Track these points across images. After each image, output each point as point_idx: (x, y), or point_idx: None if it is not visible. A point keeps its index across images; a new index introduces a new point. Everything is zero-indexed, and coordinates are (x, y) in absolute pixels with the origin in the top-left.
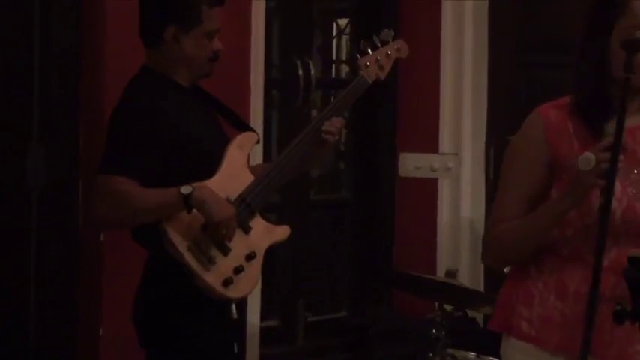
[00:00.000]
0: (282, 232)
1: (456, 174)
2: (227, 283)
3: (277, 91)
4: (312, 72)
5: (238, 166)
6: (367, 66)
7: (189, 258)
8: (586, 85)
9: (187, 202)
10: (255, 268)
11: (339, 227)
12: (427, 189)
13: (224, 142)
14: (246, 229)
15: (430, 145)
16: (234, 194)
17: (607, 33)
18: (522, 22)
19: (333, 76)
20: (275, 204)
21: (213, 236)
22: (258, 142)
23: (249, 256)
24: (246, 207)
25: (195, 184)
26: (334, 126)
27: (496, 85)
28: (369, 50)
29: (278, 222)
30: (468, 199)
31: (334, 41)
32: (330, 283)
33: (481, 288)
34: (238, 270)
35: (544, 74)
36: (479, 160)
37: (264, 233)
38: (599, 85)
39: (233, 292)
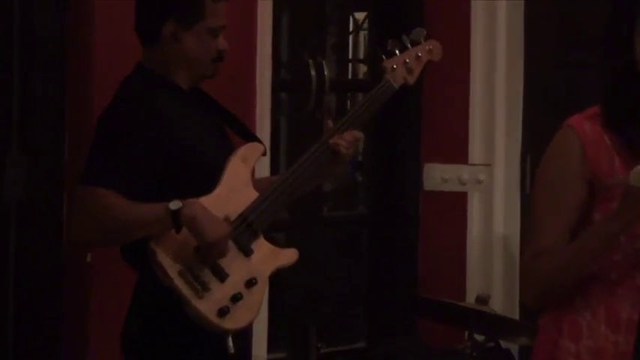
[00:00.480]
0: (290, 255)
1: (487, 187)
2: (223, 312)
3: (286, 94)
4: (326, 72)
5: (241, 181)
6: (394, 69)
7: (180, 283)
8: (615, 92)
9: (176, 219)
10: (256, 296)
11: (356, 247)
12: (455, 204)
13: (227, 153)
14: (248, 252)
15: (459, 154)
16: (234, 212)
17: (630, 31)
18: (562, 19)
19: (350, 77)
20: (283, 221)
21: (207, 259)
22: (264, 153)
23: (250, 283)
24: (248, 227)
25: (186, 200)
26: (346, 139)
27: (533, 87)
28: (397, 51)
29: (287, 241)
30: (501, 215)
31: (350, 38)
32: (345, 310)
33: (516, 316)
34: (236, 298)
35: (586, 76)
36: (513, 171)
37: (268, 257)
38: (630, 91)
39: (229, 323)
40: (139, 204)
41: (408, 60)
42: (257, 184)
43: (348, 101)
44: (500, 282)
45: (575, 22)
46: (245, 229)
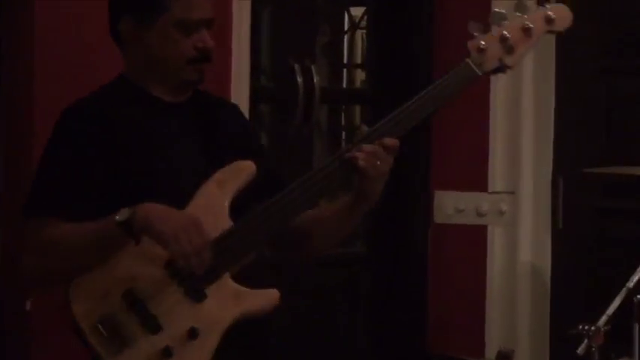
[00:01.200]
0: (264, 299)
1: (511, 219)
2: None
3: (268, 105)
4: (316, 80)
5: (209, 209)
6: (481, 50)
7: (96, 339)
8: None
9: (128, 227)
10: (195, 352)
11: (354, 292)
12: (472, 239)
13: (207, 178)
14: (198, 297)
15: (476, 180)
16: None
17: None
18: (601, 18)
19: (344, 85)
20: (267, 259)
21: (183, 269)
22: (253, 175)
23: (190, 335)
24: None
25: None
26: (365, 151)
27: (566, 99)
28: (494, 25)
29: (268, 283)
30: (527, 252)
31: (345, 38)
32: None
33: None
34: (166, 354)
35: (629, 84)
36: (542, 200)
37: (227, 302)
38: None
39: None
40: (85, 224)
41: (507, 33)
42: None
43: (343, 114)
44: (526, 334)
45: (616, 21)
46: (215, 267)
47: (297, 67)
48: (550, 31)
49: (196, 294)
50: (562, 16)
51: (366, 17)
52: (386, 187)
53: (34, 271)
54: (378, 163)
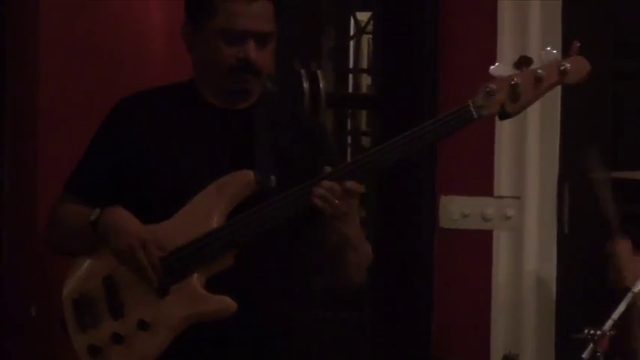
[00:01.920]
0: (218, 305)
1: (517, 223)
2: (94, 351)
3: None
4: (322, 85)
5: (204, 211)
6: (488, 93)
7: (69, 312)
8: None
9: (95, 228)
10: (142, 343)
11: (359, 296)
12: (478, 244)
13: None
14: (161, 292)
15: (482, 185)
16: (178, 244)
17: None
18: (609, 19)
19: (350, 90)
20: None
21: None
22: (255, 184)
23: (140, 326)
24: (178, 263)
25: (107, 208)
26: (325, 187)
27: (573, 102)
28: (506, 70)
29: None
30: (533, 257)
31: (352, 43)
32: None
33: None
34: (116, 339)
35: (637, 87)
36: (549, 205)
37: (185, 302)
38: None
39: None
40: (81, 210)
41: (516, 81)
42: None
43: (349, 120)
44: (533, 339)
45: (623, 24)
46: (175, 266)
47: (302, 71)
48: (562, 83)
49: (161, 290)
50: (578, 68)
51: (372, 22)
52: (392, 192)
53: (47, 237)
54: (336, 202)
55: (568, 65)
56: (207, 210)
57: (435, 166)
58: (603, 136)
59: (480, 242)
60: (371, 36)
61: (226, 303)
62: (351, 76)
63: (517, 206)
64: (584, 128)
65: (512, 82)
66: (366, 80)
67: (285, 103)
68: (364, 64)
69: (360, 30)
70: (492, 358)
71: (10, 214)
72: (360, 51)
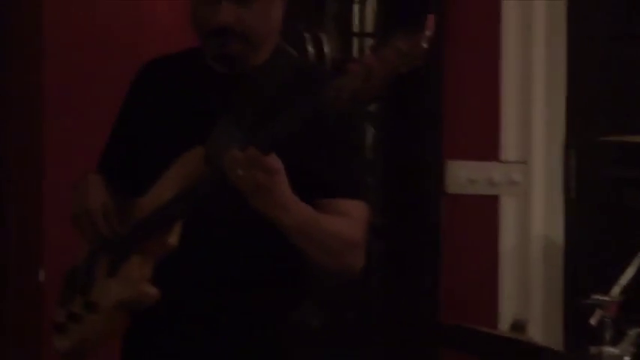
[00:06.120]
0: (138, 292)
1: (523, 188)
2: (59, 328)
3: None
4: (326, 49)
5: (163, 189)
6: (339, 89)
7: (62, 285)
8: None
9: None
10: (87, 325)
11: (367, 262)
12: (485, 209)
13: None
14: (110, 271)
15: (488, 150)
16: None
17: None
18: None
19: (355, 54)
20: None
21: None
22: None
23: (87, 306)
24: (125, 241)
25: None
26: (231, 157)
27: (579, 65)
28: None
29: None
30: (540, 222)
31: (356, 7)
32: (354, 341)
33: (560, 346)
34: (73, 319)
35: None
36: (555, 170)
37: (121, 285)
38: None
39: (60, 343)
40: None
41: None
42: None
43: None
44: (540, 304)
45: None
46: (124, 245)
47: (307, 36)
48: (403, 64)
49: (111, 267)
50: (415, 43)
51: None
52: (398, 158)
53: None
54: (240, 172)
55: (403, 43)
56: (165, 187)
57: (441, 132)
58: (610, 99)
59: (487, 207)
60: (375, 0)
61: (147, 291)
62: (355, 39)
63: (523, 171)
64: (590, 92)
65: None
66: (370, 44)
67: (300, 71)
68: (368, 27)
69: None
70: (501, 324)
71: (17, 178)
72: (365, 15)
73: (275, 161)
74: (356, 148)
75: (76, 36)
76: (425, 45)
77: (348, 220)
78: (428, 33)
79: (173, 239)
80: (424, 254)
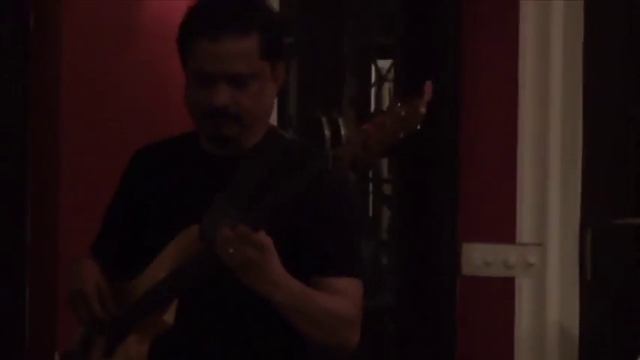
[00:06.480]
0: None
1: (539, 271)
2: None
3: None
4: (343, 132)
5: (157, 269)
6: (337, 158)
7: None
8: None
9: None
10: None
11: (380, 345)
12: (501, 291)
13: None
14: (109, 352)
15: (504, 232)
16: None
17: None
18: (628, 66)
19: None
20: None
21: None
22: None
23: None
24: (121, 321)
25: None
26: (222, 235)
27: (594, 145)
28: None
29: None
30: (556, 305)
31: (373, 91)
32: None
33: None
34: None
35: None
36: (571, 252)
37: None
38: None
39: None
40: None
41: (367, 129)
42: None
43: (370, 169)
44: None
45: None
46: (120, 325)
47: (324, 119)
48: (404, 129)
49: (108, 349)
50: (413, 109)
51: (392, 69)
52: (414, 239)
53: None
54: (230, 250)
55: (403, 110)
56: (159, 266)
57: (457, 214)
58: (626, 181)
59: (502, 289)
60: (392, 83)
61: None
62: None
63: (539, 253)
64: (606, 173)
65: (365, 130)
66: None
67: (291, 152)
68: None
69: (381, 77)
70: None
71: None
72: (381, 98)
73: (264, 237)
74: (349, 225)
75: (94, 31)
76: (423, 110)
77: (342, 297)
78: (426, 98)
79: (169, 317)
80: (439, 337)
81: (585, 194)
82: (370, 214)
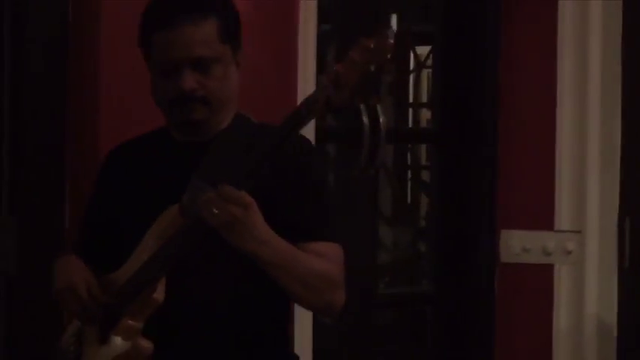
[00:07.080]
0: (136, 343)
1: (578, 258)
2: None
3: (333, 145)
4: (382, 119)
5: (141, 253)
6: (312, 102)
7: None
8: None
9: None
10: None
11: (419, 332)
12: (539, 278)
13: None
14: (102, 339)
15: (543, 219)
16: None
17: None
18: None
19: (410, 124)
20: None
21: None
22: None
23: None
24: (112, 307)
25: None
26: (207, 198)
27: (634, 135)
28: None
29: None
30: (594, 292)
31: (411, 78)
32: None
33: None
34: None
35: None
36: (609, 239)
37: (117, 344)
38: None
39: None
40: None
41: (339, 71)
42: None
43: (409, 154)
44: None
45: None
46: (111, 311)
47: (362, 106)
48: (374, 60)
49: (102, 335)
50: (381, 41)
51: (431, 56)
52: (452, 227)
53: None
54: (215, 210)
55: (371, 42)
56: (143, 250)
57: (496, 201)
58: None
59: (540, 276)
60: (430, 70)
61: (141, 343)
62: (410, 110)
63: (578, 240)
64: None
65: (338, 73)
66: (425, 115)
67: (261, 133)
68: (424, 98)
69: (420, 64)
70: None
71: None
72: (420, 85)
73: (247, 196)
74: (323, 191)
75: (132, 24)
76: (391, 40)
77: (326, 259)
78: (393, 28)
79: (159, 295)
80: (478, 323)
81: (625, 182)
82: (409, 201)
